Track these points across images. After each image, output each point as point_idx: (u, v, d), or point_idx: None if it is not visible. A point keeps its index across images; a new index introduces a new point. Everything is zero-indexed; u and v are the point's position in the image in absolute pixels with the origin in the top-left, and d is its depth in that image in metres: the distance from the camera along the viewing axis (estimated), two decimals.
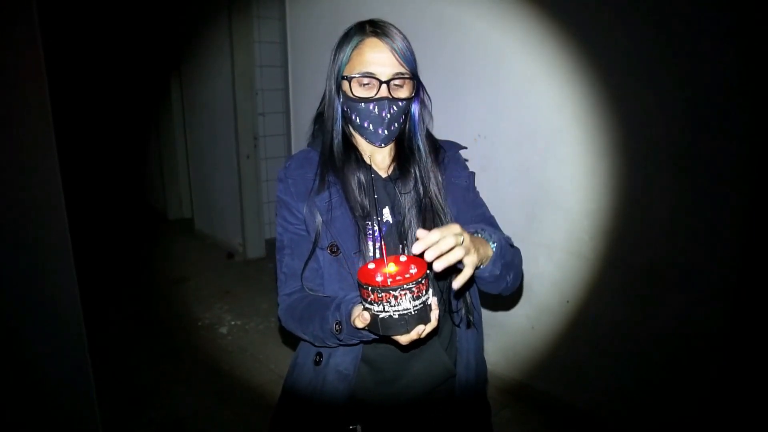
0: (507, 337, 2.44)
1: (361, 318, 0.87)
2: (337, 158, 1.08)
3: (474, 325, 1.13)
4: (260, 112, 4.40)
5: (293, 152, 3.64)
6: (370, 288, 0.82)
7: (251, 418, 2.32)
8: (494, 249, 0.97)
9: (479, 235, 0.99)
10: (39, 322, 1.33)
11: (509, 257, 1.02)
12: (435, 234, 0.81)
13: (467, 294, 1.10)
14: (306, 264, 1.07)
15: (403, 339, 0.86)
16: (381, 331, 0.84)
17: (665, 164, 1.84)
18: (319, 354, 1.10)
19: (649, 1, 1.79)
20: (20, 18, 1.22)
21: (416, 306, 0.82)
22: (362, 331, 0.92)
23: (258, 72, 4.32)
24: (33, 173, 1.29)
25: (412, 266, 0.85)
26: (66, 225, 1.32)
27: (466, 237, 0.85)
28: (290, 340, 2.99)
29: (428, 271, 0.84)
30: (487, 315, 2.40)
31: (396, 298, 0.80)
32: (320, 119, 1.13)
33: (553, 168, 2.13)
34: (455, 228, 0.84)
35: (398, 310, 0.81)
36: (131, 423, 2.27)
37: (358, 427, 1.09)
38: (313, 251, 1.07)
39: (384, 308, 0.82)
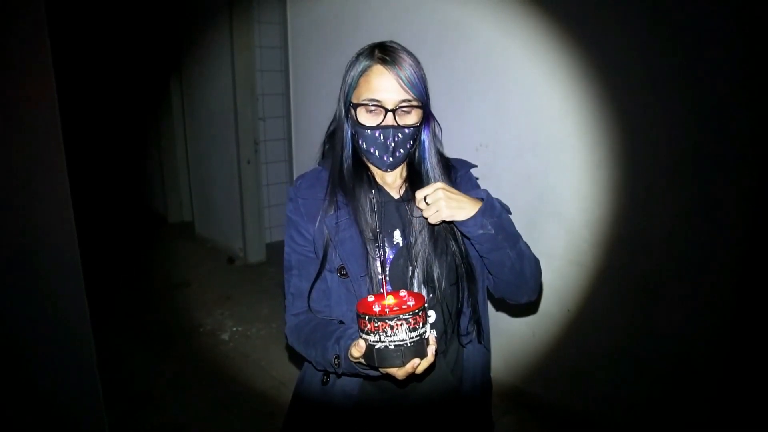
0: (508, 344, 2.44)
1: (357, 346, 0.88)
2: (347, 179, 1.08)
3: (483, 341, 1.13)
4: (261, 116, 4.41)
5: (294, 157, 3.64)
6: (366, 317, 0.83)
7: (254, 425, 2.32)
8: (482, 205, 1.00)
9: (475, 195, 1.04)
10: (46, 327, 1.33)
11: (507, 225, 1.04)
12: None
13: (478, 313, 1.11)
14: (313, 286, 1.08)
15: (399, 372, 0.86)
16: (377, 362, 0.85)
17: (665, 174, 1.85)
18: (327, 374, 1.10)
19: (653, 10, 1.80)
20: (30, 21, 1.22)
21: (412, 338, 0.83)
22: (360, 367, 0.93)
23: (259, 76, 4.33)
24: (41, 176, 1.29)
25: (410, 299, 0.87)
26: (74, 231, 1.32)
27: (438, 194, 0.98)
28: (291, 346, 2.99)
29: (425, 305, 0.85)
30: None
31: (392, 328, 0.82)
32: (332, 139, 1.14)
33: (555, 177, 2.14)
34: (438, 184, 0.99)
35: (394, 341, 0.83)
36: (133, 429, 2.27)
37: None
38: (320, 273, 1.07)
39: (380, 338, 0.83)
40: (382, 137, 1.03)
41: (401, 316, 0.82)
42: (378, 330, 0.82)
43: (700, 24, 1.69)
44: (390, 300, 0.88)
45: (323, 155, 1.16)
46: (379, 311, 0.84)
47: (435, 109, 1.17)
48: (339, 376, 1.04)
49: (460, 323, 1.09)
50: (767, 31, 1.58)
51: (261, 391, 2.59)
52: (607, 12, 1.90)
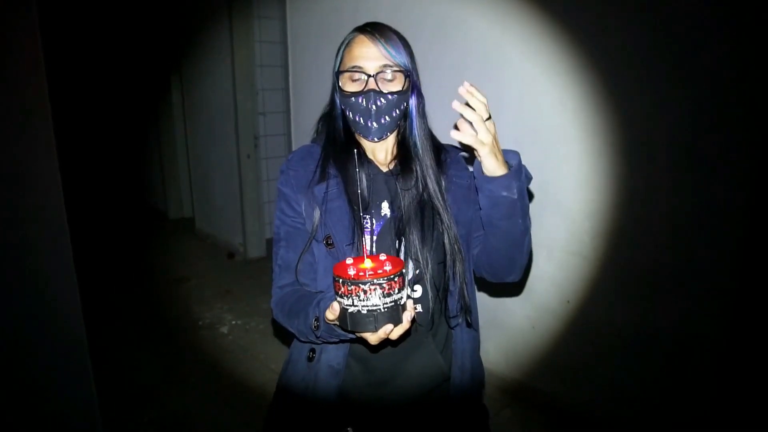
0: (507, 338, 2.44)
1: (331, 309, 0.87)
2: (339, 151, 1.09)
3: (472, 324, 1.12)
4: (261, 111, 4.40)
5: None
6: (341, 280, 0.82)
7: (252, 418, 2.32)
8: (513, 165, 0.99)
9: (505, 156, 1.01)
10: (39, 322, 1.32)
11: (526, 193, 1.03)
12: (481, 97, 0.93)
13: (465, 294, 1.10)
14: (300, 256, 1.08)
15: (372, 338, 0.86)
16: (349, 326, 0.84)
17: (665, 164, 1.84)
18: (313, 350, 1.10)
19: (650, 2, 1.79)
20: (20, 17, 1.22)
21: (386, 303, 0.82)
22: (337, 329, 0.92)
23: (258, 72, 4.32)
24: (32, 173, 1.29)
25: (387, 263, 0.85)
26: (65, 226, 1.32)
27: (492, 129, 0.94)
28: (290, 339, 2.99)
29: (403, 270, 0.84)
30: (487, 315, 2.40)
31: (365, 292, 0.80)
32: (325, 119, 1.16)
33: (554, 168, 2.13)
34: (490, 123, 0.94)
35: (367, 306, 0.81)
36: (131, 423, 2.27)
37: (350, 430, 1.09)
38: (309, 243, 1.07)
39: (353, 302, 0.82)
40: (364, 102, 1.04)
41: (375, 281, 0.80)
42: (351, 294, 0.81)
43: (698, 15, 1.69)
44: (368, 263, 0.86)
45: (317, 132, 1.18)
46: (353, 275, 0.82)
47: (433, 100, 1.17)
48: (319, 341, 1.03)
49: (448, 304, 1.09)
50: (767, 28, 1.58)
51: (260, 384, 2.58)
52: (604, 4, 1.89)
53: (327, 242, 1.05)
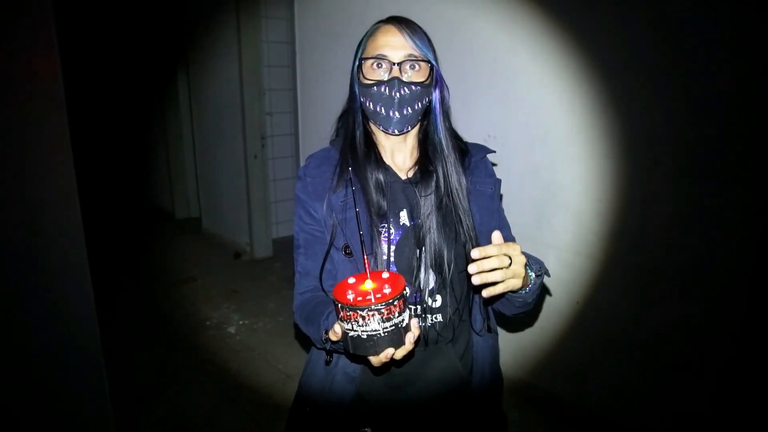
0: (516, 338, 2.43)
1: (334, 331, 0.87)
2: (356, 155, 1.06)
3: (492, 329, 1.12)
4: (268, 111, 4.41)
5: (301, 152, 3.64)
6: (339, 305, 0.80)
7: (259, 418, 2.33)
8: (533, 281, 0.97)
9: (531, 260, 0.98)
10: (53, 321, 1.33)
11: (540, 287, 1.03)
12: (489, 251, 0.83)
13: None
14: (323, 265, 1.06)
15: (374, 360, 0.84)
16: (351, 349, 0.83)
17: (672, 165, 1.83)
18: (329, 355, 1.09)
19: (655, 7, 1.78)
20: (37, 15, 1.23)
21: (386, 328, 0.79)
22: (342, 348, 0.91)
23: (266, 72, 4.33)
24: (48, 171, 1.29)
25: (386, 286, 0.82)
26: (80, 224, 1.33)
27: (516, 260, 0.86)
28: (298, 339, 3.00)
29: (404, 292, 0.81)
30: (495, 315, 2.39)
31: (364, 318, 0.78)
32: (344, 117, 1.13)
33: (562, 169, 2.12)
34: (510, 249, 0.85)
35: (366, 331, 0.79)
36: (139, 422, 2.28)
37: (368, 431, 1.09)
38: (328, 251, 1.05)
39: (353, 327, 0.80)
40: (387, 90, 1.01)
41: (372, 307, 0.77)
42: (350, 319, 0.79)
43: (703, 19, 1.68)
44: (368, 285, 0.83)
45: (336, 133, 1.15)
46: (352, 299, 0.80)
47: None
48: (329, 352, 1.02)
49: (472, 313, 1.08)
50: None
51: (267, 384, 2.59)
52: (612, 8, 1.89)
53: (346, 251, 1.03)
